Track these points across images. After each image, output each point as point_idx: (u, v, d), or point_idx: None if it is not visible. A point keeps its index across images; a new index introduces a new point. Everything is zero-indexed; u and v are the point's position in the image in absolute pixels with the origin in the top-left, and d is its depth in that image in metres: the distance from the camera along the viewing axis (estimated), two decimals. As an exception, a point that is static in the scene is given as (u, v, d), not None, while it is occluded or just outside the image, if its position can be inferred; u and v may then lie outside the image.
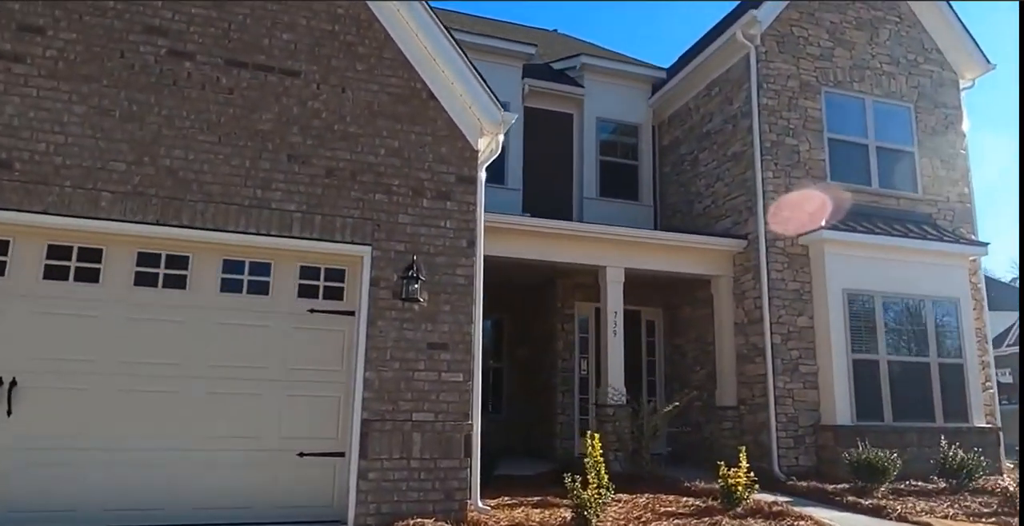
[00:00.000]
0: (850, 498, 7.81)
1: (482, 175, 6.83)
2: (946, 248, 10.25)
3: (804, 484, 8.64)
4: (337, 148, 6.39)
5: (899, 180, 10.91)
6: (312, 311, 6.31)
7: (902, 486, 8.46)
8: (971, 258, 10.61)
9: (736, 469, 7.05)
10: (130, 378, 5.80)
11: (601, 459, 6.61)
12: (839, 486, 8.47)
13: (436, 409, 6.13)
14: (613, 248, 10.13)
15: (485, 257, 6.80)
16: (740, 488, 7.02)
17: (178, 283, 6.10)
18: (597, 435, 6.77)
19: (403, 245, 6.37)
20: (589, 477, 6.26)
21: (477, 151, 6.77)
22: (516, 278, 11.87)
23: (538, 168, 12.14)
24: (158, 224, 5.82)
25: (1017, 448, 8.71)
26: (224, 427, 5.94)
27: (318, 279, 6.42)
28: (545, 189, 12.08)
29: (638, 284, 11.78)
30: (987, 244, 10.63)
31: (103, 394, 5.71)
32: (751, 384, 10.01)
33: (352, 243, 6.27)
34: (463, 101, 6.72)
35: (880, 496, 8.06)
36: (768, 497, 7.63)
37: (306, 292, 6.39)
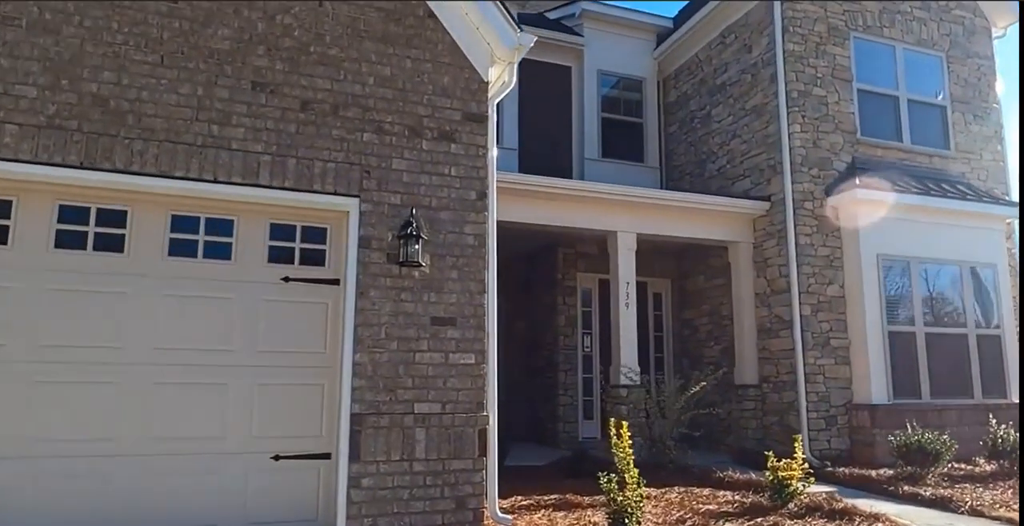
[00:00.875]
0: (906, 488, 6.79)
1: (493, 113, 5.51)
2: (986, 209, 9.24)
3: (844, 471, 7.62)
4: (314, 75, 5.01)
5: (931, 136, 9.85)
6: (287, 280, 4.99)
7: (949, 470, 7.49)
8: (1007, 221, 9.64)
9: (789, 460, 5.96)
10: (49, 365, 4.40)
11: (631, 453, 5.52)
12: (883, 472, 7.47)
13: (443, 398, 4.89)
14: (624, 211, 8.92)
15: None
16: (794, 481, 5.94)
17: (113, 245, 4.69)
18: (624, 424, 5.66)
19: (398, 197, 5.06)
20: (627, 476, 5.13)
21: (487, 82, 5.43)
22: (512, 246, 10.61)
23: (534, 126, 10.83)
24: (83, 167, 4.40)
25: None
26: (176, 425, 4.60)
27: (293, 240, 5.07)
28: (542, 149, 10.78)
29: (644, 253, 10.58)
30: (1025, 205, 9.65)
31: (12, 387, 4.34)
32: (776, 360, 8.96)
33: (335, 194, 4.94)
34: (469, 20, 5.37)
35: (933, 483, 7.08)
36: (821, 489, 6.58)
37: (279, 256, 5.04)
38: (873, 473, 7.48)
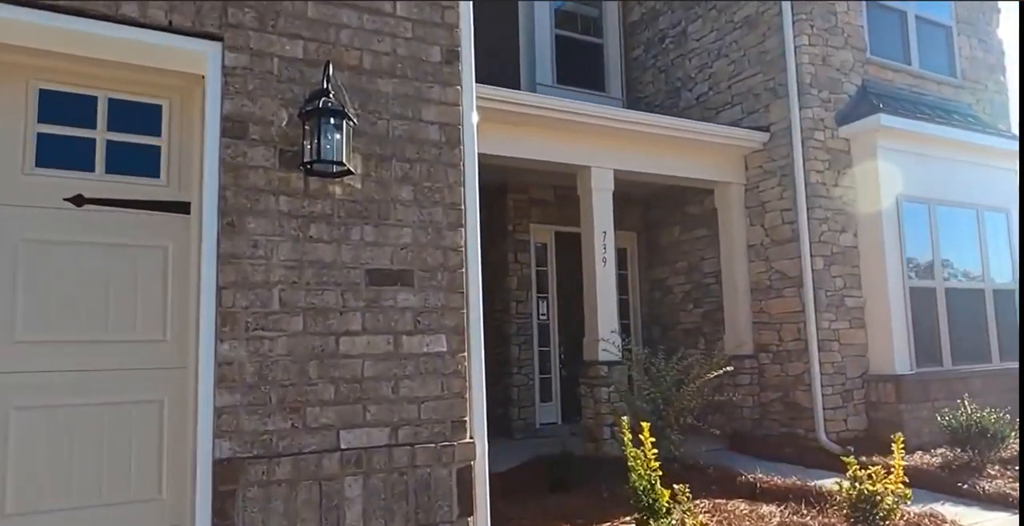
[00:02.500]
0: (985, 485, 5.11)
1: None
2: (1006, 146, 7.71)
3: (882, 460, 5.91)
4: None
5: (938, 61, 8.20)
6: (79, 202, 2.47)
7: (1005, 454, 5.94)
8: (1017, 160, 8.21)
9: (885, 460, 4.04)
10: None
11: (656, 466, 3.58)
12: (929, 460, 5.80)
13: (394, 418, 2.53)
14: (600, 140, 6.70)
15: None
16: (888, 497, 4.05)
17: None
18: (646, 428, 3.68)
19: (299, 45, 2.58)
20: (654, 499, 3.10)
21: None
22: None
23: (476, 42, 8.34)
24: None
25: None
26: None
27: (91, 124, 2.54)
28: (486, 71, 8.31)
29: (608, 200, 8.51)
30: (1034, 143, 8.23)
31: None
32: (777, 325, 7.13)
33: (174, 30, 2.41)
34: None
35: (998, 473, 5.48)
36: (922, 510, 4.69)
37: (61, 156, 2.51)
38: (919, 461, 5.81)
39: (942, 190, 7.33)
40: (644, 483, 3.73)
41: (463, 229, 2.76)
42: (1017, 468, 5.56)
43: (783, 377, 6.98)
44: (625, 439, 3.77)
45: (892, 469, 4.07)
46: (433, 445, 2.58)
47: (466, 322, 2.73)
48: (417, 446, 2.55)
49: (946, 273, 7.28)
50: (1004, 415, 5.71)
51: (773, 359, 7.12)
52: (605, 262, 6.65)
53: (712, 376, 5.55)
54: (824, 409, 6.57)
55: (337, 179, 2.53)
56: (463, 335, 2.70)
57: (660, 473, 3.68)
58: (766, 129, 7.29)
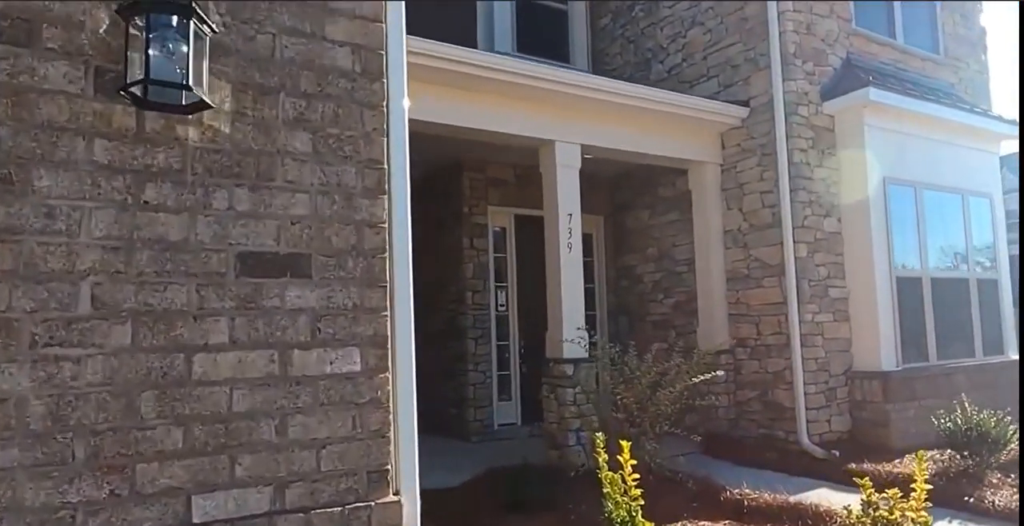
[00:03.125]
0: (995, 499, 4.50)
1: None
2: (993, 127, 7.17)
3: (872, 468, 5.27)
4: None
5: (922, 36, 7.59)
6: None
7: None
8: (1002, 142, 7.69)
9: (876, 467, 3.36)
10: None
11: (638, 494, 2.85)
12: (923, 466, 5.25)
13: (279, 472, 1.63)
14: (565, 111, 5.85)
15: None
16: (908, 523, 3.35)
17: None
18: (626, 445, 2.92)
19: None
20: None
21: None
22: None
23: (426, 5, 7.38)
24: None
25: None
26: None
27: None
28: (442, 34, 7.37)
29: (572, 181, 7.71)
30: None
31: None
32: (755, 318, 6.45)
33: None
34: None
35: (999, 482, 4.91)
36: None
37: None
38: (911, 468, 5.20)
39: (928, 173, 6.74)
40: (622, 514, 2.97)
41: (385, 198, 1.89)
42: (1002, 470, 5.02)
43: (762, 374, 6.32)
44: (600, 460, 3.01)
45: (884, 471, 3.38)
46: (339, 509, 1.73)
47: (390, 329, 1.87)
48: (315, 512, 1.70)
49: (932, 262, 6.72)
50: (1004, 417, 5.15)
51: (751, 354, 6.45)
52: (571, 248, 5.84)
53: (698, 380, 4.80)
54: (807, 409, 5.92)
55: (190, 117, 1.64)
56: (385, 347, 1.84)
57: (642, 502, 2.93)
58: (745, 103, 6.57)
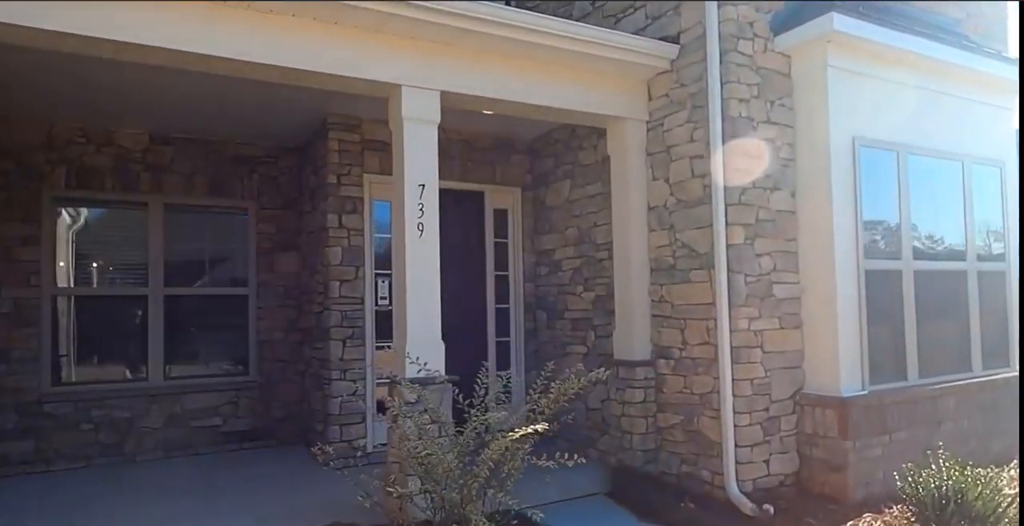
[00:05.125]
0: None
1: None
2: (1006, 74, 5.33)
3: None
4: None
5: (921, -43, 5.76)
6: None
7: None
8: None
9: None
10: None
11: None
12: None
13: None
14: (421, 44, 4.19)
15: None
16: None
17: None
18: None
19: None
20: None
21: None
22: (230, 124, 5.81)
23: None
24: None
25: None
26: None
27: None
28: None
29: (478, 143, 6.07)
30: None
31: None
32: (680, 321, 4.82)
33: None
34: None
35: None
36: None
37: None
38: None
39: (915, 133, 5.00)
40: None
41: None
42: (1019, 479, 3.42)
43: (687, 395, 4.74)
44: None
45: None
46: None
47: None
48: None
49: (917, 249, 5.01)
50: (998, 473, 3.54)
51: (675, 369, 4.86)
52: (422, 231, 4.28)
53: (521, 434, 3.23)
54: (736, 447, 4.35)
55: None
56: None
57: None
58: (676, 40, 4.86)
